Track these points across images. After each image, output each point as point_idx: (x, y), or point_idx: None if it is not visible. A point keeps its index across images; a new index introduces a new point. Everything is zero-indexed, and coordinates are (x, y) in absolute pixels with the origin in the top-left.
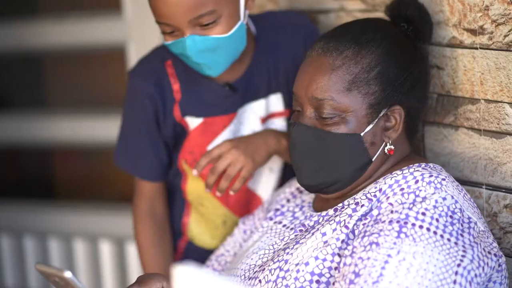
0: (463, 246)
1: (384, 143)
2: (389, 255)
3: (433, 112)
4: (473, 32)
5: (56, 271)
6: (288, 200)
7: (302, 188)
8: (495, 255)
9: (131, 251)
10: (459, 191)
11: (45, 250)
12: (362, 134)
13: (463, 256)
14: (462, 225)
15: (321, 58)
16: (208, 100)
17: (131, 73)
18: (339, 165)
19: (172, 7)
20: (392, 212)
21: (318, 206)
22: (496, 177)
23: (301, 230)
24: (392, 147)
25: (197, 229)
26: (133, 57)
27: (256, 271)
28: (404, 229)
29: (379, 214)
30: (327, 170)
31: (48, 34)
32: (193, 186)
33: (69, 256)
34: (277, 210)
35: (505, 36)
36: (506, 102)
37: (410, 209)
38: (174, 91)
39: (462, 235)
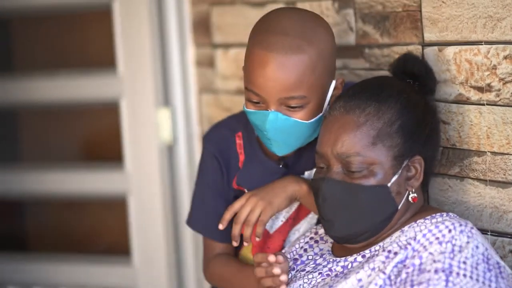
0: None
1: (407, 192)
2: None
3: (438, 164)
4: (480, 89)
5: None
6: (305, 250)
7: (317, 238)
8: None
9: None
10: (484, 238)
11: None
12: (389, 184)
13: None
14: (495, 270)
15: (344, 117)
16: (261, 175)
17: (204, 137)
18: (369, 216)
19: (269, 81)
20: (434, 261)
21: (340, 253)
22: (502, 224)
23: (328, 275)
24: (416, 195)
25: None
26: (126, 113)
27: None
28: (450, 278)
29: (421, 263)
30: (357, 221)
31: (29, 90)
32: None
33: None
34: (296, 259)
35: None
36: None
37: (451, 259)
38: (240, 161)
39: (498, 281)
